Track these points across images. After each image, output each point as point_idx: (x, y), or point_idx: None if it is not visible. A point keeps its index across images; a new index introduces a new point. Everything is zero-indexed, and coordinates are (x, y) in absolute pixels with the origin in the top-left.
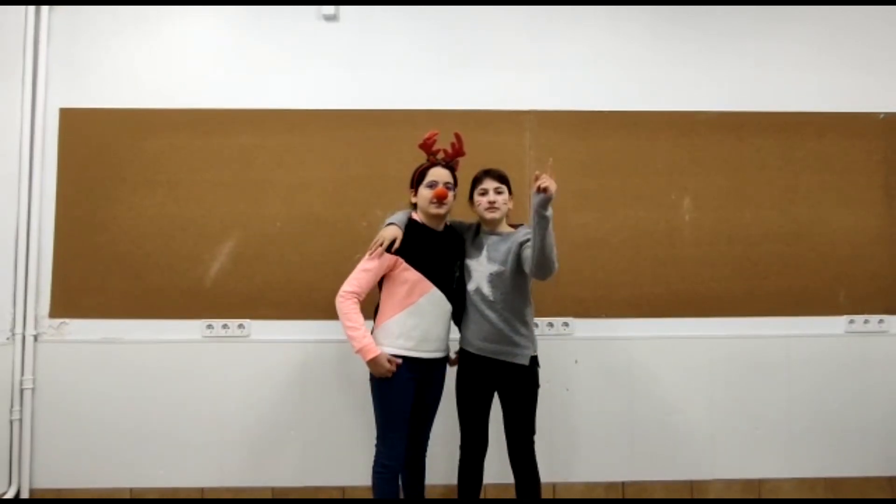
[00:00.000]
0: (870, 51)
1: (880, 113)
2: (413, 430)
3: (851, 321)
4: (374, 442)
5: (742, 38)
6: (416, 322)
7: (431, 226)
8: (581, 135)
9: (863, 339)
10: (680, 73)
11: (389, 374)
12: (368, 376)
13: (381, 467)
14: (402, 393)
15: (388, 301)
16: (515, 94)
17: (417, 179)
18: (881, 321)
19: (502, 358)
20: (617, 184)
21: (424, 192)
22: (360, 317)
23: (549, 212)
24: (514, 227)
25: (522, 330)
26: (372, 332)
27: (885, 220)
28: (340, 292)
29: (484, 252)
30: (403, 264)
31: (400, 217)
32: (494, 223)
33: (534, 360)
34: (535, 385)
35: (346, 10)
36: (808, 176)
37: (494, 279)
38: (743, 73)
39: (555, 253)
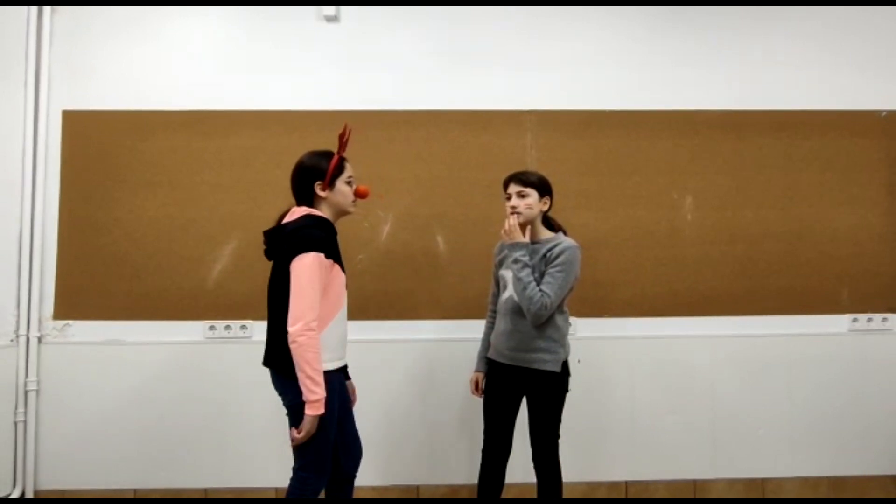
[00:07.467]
0: (871, 48)
1: (882, 111)
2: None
3: (854, 320)
4: (300, 474)
5: (743, 37)
6: (342, 325)
7: (334, 222)
8: (582, 134)
9: (866, 337)
10: (681, 72)
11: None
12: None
13: (312, 493)
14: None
15: (322, 308)
16: (516, 94)
17: (335, 173)
18: (884, 319)
19: (534, 366)
20: (618, 183)
21: (345, 188)
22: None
23: (518, 253)
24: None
25: (554, 335)
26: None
27: (887, 219)
28: (300, 327)
29: None
30: (335, 265)
31: (320, 225)
32: (530, 229)
33: (564, 366)
34: (563, 391)
35: (346, 11)
36: (810, 174)
37: None
38: (744, 72)
39: (529, 297)
